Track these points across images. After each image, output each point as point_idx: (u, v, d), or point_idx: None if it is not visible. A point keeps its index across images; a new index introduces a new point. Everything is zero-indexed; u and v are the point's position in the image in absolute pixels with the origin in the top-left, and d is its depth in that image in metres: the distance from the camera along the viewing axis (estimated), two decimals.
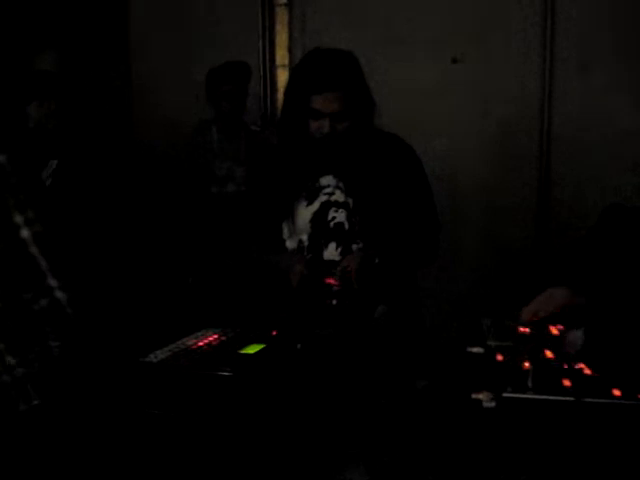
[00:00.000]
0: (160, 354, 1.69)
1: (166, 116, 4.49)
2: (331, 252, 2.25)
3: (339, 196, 2.26)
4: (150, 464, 1.50)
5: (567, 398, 1.38)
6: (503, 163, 4.52)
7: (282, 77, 4.85)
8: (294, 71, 2.25)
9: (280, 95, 4.88)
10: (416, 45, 4.52)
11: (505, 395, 1.41)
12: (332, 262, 2.22)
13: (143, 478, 1.50)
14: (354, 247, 2.24)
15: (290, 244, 2.30)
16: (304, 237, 2.27)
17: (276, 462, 1.45)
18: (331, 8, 4.73)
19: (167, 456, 1.49)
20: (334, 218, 2.25)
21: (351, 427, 1.52)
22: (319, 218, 2.26)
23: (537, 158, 4.58)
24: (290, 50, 4.85)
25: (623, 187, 4.39)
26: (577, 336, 1.67)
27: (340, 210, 2.24)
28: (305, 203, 2.28)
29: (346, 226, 2.24)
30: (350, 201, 2.25)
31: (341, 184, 2.26)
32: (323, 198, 2.26)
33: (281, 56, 4.88)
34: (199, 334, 1.83)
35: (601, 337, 1.63)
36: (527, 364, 1.50)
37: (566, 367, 1.55)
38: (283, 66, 4.86)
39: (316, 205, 2.26)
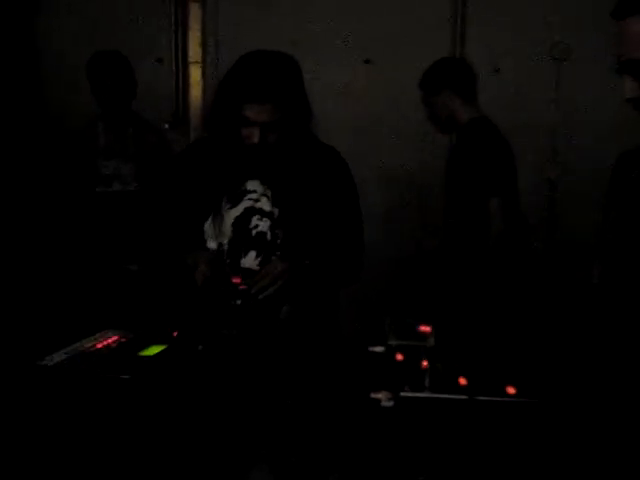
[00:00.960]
0: (56, 357, 1.64)
1: (69, 113, 4.38)
2: (250, 260, 2.20)
3: (265, 204, 2.19)
4: (47, 472, 1.46)
5: (461, 396, 1.41)
6: (421, 161, 4.58)
7: (195, 74, 4.80)
8: (227, 76, 2.12)
9: (193, 92, 4.83)
10: (328, 44, 4.53)
11: (402, 394, 1.42)
12: (250, 270, 2.17)
13: None
14: (273, 259, 2.19)
15: (211, 245, 2.23)
16: (224, 241, 2.21)
17: (180, 466, 1.43)
18: (245, 4, 4.71)
19: (64, 465, 1.45)
20: (257, 226, 2.19)
21: (256, 428, 1.51)
22: (241, 223, 2.20)
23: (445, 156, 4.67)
24: (203, 46, 4.80)
25: (525, 189, 4.53)
26: None
27: (264, 219, 2.19)
28: (228, 206, 2.21)
29: (268, 236, 2.19)
30: (276, 211, 2.19)
31: (268, 192, 2.20)
32: (247, 203, 2.20)
33: (194, 52, 4.82)
34: (98, 335, 1.78)
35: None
36: (425, 363, 1.52)
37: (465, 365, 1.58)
38: (196, 62, 4.80)
39: (240, 209, 2.20)
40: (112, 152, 3.56)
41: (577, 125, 4.49)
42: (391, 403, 1.43)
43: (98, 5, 4.75)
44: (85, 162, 3.54)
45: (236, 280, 2.10)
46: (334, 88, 4.25)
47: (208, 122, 2.23)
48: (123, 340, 1.75)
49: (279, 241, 2.19)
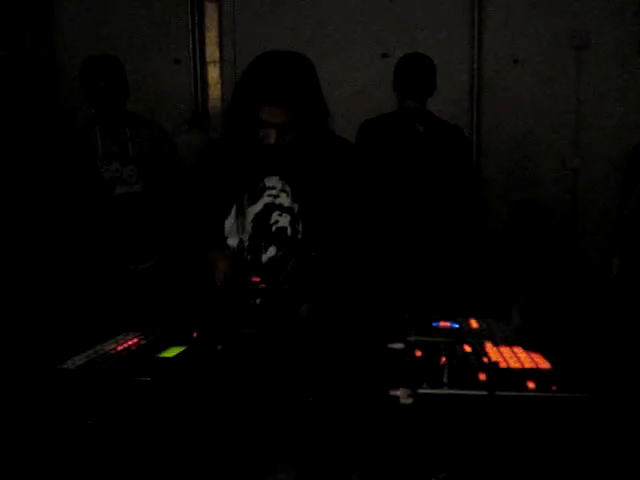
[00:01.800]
0: (77, 360, 1.65)
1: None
2: (270, 256, 2.21)
3: (284, 200, 2.21)
4: (69, 474, 1.47)
5: (480, 392, 1.40)
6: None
7: (213, 73, 4.82)
8: (243, 77, 2.14)
9: (211, 91, 4.85)
10: (347, 41, 4.53)
11: (421, 391, 1.42)
12: None
13: None
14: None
15: (231, 242, 2.25)
16: (245, 237, 2.23)
17: (202, 466, 1.43)
18: (261, 3, 4.72)
19: (87, 465, 1.46)
20: (277, 222, 2.21)
21: (277, 426, 1.52)
22: (261, 219, 2.22)
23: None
24: (220, 46, 4.82)
25: (548, 181, 4.51)
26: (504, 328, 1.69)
27: (284, 214, 2.20)
28: (248, 203, 2.23)
29: (289, 232, 2.20)
30: (295, 206, 2.21)
31: (287, 188, 2.22)
32: (267, 199, 2.22)
33: (211, 52, 4.84)
34: (118, 338, 1.79)
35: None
36: (443, 359, 1.51)
37: (485, 361, 1.57)
38: (213, 62, 4.82)
39: (259, 206, 2.22)
40: (111, 155, 3.56)
41: (598, 114, 4.45)
42: (410, 400, 1.42)
43: (116, 8, 4.79)
44: (84, 167, 3.54)
45: (255, 279, 2.10)
46: (352, 84, 4.25)
47: (226, 124, 2.25)
48: (143, 342, 1.76)
49: (299, 236, 2.20)
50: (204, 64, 4.84)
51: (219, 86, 4.82)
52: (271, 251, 2.21)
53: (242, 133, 2.13)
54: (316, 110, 2.13)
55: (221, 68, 4.79)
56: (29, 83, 4.54)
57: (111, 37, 4.67)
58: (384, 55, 4.53)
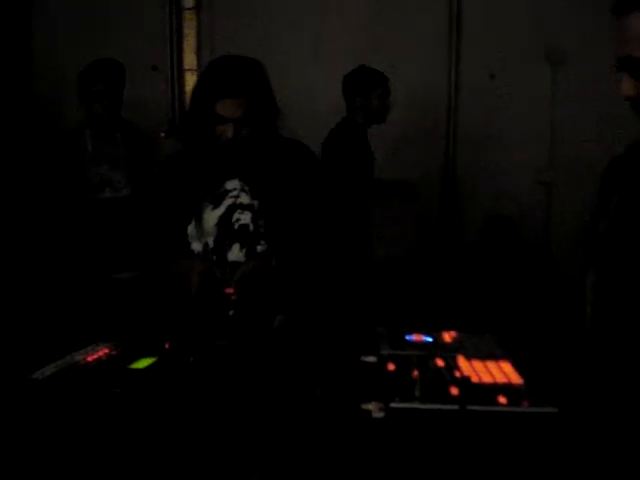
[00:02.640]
0: (47, 371, 1.63)
1: (66, 121, 4.38)
2: (235, 253, 2.26)
3: (244, 198, 2.28)
4: None
5: (452, 407, 1.40)
6: (410, 166, 4.59)
7: (190, 81, 4.81)
8: (200, 77, 2.27)
9: (188, 99, 4.82)
10: (323, 49, 4.55)
11: (393, 405, 1.41)
12: (236, 263, 2.22)
13: None
14: (259, 248, 2.25)
15: (196, 247, 2.30)
16: (210, 240, 2.28)
17: (173, 479, 1.42)
18: (239, 12, 4.72)
19: (57, 477, 1.44)
20: (238, 220, 2.26)
21: (248, 439, 1.50)
22: (225, 221, 2.27)
23: (443, 162, 4.69)
24: (198, 54, 4.81)
25: (522, 194, 4.55)
26: None
27: (245, 212, 2.27)
28: (211, 207, 2.28)
29: (251, 227, 2.26)
30: (255, 203, 2.27)
31: (246, 187, 2.28)
32: (229, 201, 2.28)
33: (189, 60, 4.84)
34: (89, 348, 1.78)
35: None
36: (416, 373, 1.51)
37: (457, 375, 1.58)
38: (191, 70, 4.82)
39: (222, 209, 2.28)
40: (101, 159, 3.54)
41: (573, 129, 4.49)
42: (382, 414, 1.42)
43: (94, 14, 4.76)
44: (73, 169, 3.51)
45: (229, 291, 2.10)
46: (330, 95, 4.24)
47: (185, 123, 2.36)
48: (114, 353, 1.74)
49: (262, 230, 2.26)
50: (182, 72, 4.83)
51: None
52: (235, 249, 2.26)
53: (199, 132, 2.20)
54: (269, 107, 2.23)
55: (199, 76, 4.78)
56: (7, 88, 4.51)
57: (89, 42, 4.65)
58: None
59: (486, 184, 4.60)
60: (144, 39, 4.77)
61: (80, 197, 3.51)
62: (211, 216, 2.28)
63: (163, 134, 4.68)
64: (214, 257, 2.26)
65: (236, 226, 2.26)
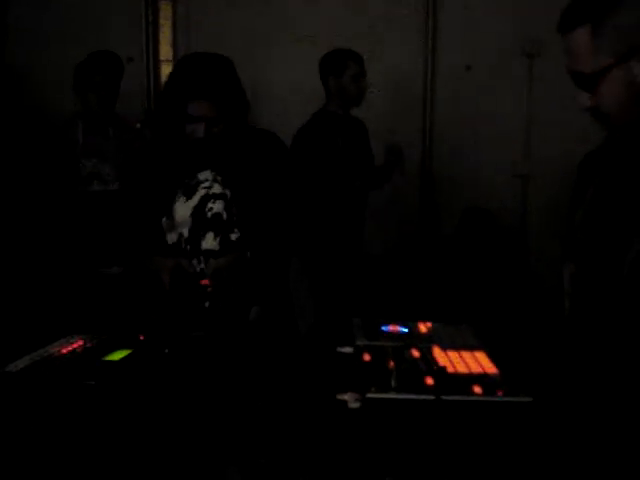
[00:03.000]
0: (20, 363, 1.61)
1: (41, 111, 4.33)
2: (209, 241, 2.26)
3: (217, 188, 2.28)
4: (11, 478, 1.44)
5: (427, 397, 1.40)
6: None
7: (166, 72, 4.76)
8: (170, 76, 2.26)
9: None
10: (297, 41, 4.53)
11: (369, 396, 1.42)
12: (210, 252, 2.23)
13: None
14: (232, 237, 2.26)
15: (170, 238, 2.30)
16: (185, 230, 2.28)
17: (148, 470, 1.41)
18: (215, 3, 4.69)
19: (31, 470, 1.43)
20: (211, 209, 2.27)
21: (225, 430, 1.50)
22: (199, 211, 2.28)
23: (420, 154, 4.70)
24: (174, 45, 4.78)
25: (499, 187, 4.56)
26: None
27: (218, 201, 2.27)
28: (184, 198, 2.29)
29: (224, 216, 2.27)
30: (227, 192, 2.28)
31: (219, 177, 2.29)
32: (202, 192, 2.29)
33: (165, 51, 4.79)
34: (63, 341, 1.76)
35: None
36: (392, 363, 1.51)
37: (432, 365, 1.58)
38: (167, 61, 4.78)
39: (195, 199, 2.28)
40: (91, 151, 3.51)
41: (549, 121, 4.51)
42: (358, 404, 1.42)
43: (69, 4, 4.71)
44: (63, 161, 3.49)
45: (204, 282, 2.09)
46: (307, 84, 4.23)
47: (155, 122, 2.40)
48: (88, 345, 1.73)
49: (235, 218, 2.27)
50: (157, 63, 4.79)
51: None
52: (209, 237, 2.26)
53: (170, 130, 2.23)
54: (240, 104, 2.25)
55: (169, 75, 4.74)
56: None
57: (64, 32, 4.60)
58: None
59: (463, 177, 4.61)
60: (120, 30, 4.72)
61: (70, 189, 3.48)
62: (185, 208, 2.28)
63: (139, 125, 4.64)
64: (188, 247, 2.26)
65: (209, 215, 2.27)
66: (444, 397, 1.40)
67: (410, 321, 1.94)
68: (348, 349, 1.71)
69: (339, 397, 1.45)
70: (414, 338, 1.79)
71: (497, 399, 1.43)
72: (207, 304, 2.07)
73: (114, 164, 3.53)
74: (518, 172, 4.66)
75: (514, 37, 4.56)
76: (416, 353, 1.66)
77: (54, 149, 3.51)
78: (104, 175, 3.52)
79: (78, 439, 1.42)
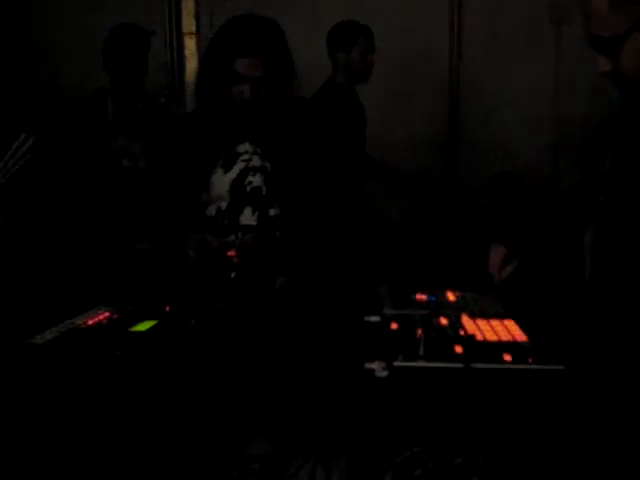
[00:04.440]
0: (47, 335, 1.61)
1: (68, 84, 4.34)
2: (247, 217, 2.22)
3: (256, 161, 2.22)
4: (39, 452, 1.44)
5: (456, 365, 1.38)
6: (413, 125, 4.55)
7: (189, 45, 4.75)
8: (217, 34, 2.17)
9: (188, 63, 4.77)
10: (323, 14, 4.48)
11: (396, 364, 1.40)
12: (248, 227, 2.20)
13: (33, 467, 1.44)
14: (271, 212, 2.21)
15: (209, 211, 2.25)
16: (223, 204, 2.23)
17: (175, 441, 1.41)
18: None
19: (58, 443, 1.44)
20: (251, 182, 2.21)
21: (252, 401, 1.50)
22: (237, 184, 2.22)
23: (446, 121, 4.65)
24: (197, 17, 4.74)
25: (524, 149, 4.50)
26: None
27: (257, 174, 2.21)
28: (222, 171, 2.23)
29: (263, 190, 2.21)
30: (268, 165, 2.22)
31: (258, 150, 2.23)
32: (241, 165, 2.22)
33: (188, 24, 4.77)
34: (90, 312, 1.76)
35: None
36: (419, 332, 1.49)
37: (461, 333, 1.56)
38: (190, 34, 4.75)
39: (234, 172, 2.22)
40: (121, 128, 3.48)
41: (577, 89, 4.43)
42: (385, 373, 1.41)
43: None
44: (94, 137, 3.46)
45: (231, 253, 2.08)
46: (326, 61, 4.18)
47: (199, 81, 2.25)
48: (114, 316, 1.73)
49: (274, 193, 2.22)
50: (180, 35, 4.76)
51: (195, 58, 4.74)
52: (247, 212, 2.21)
53: (215, 91, 2.15)
54: (287, 69, 2.17)
55: (198, 40, 4.72)
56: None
57: (85, 9, 4.59)
58: None
59: (491, 145, 4.56)
60: (141, 3, 4.70)
61: (101, 165, 3.46)
62: (223, 180, 2.23)
63: (163, 99, 4.62)
64: (226, 221, 2.22)
65: (248, 189, 2.21)
66: (473, 365, 1.38)
67: (437, 289, 1.92)
68: (375, 318, 1.69)
69: (367, 366, 1.44)
70: (442, 306, 1.77)
71: (527, 367, 1.40)
72: (233, 275, 2.06)
73: (143, 141, 3.49)
74: (546, 139, 4.60)
75: (540, 3, 4.47)
76: (444, 321, 1.63)
77: (84, 125, 3.49)
78: (133, 152, 3.50)
79: (105, 410, 1.42)
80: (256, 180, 2.21)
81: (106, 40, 3.49)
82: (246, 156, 2.22)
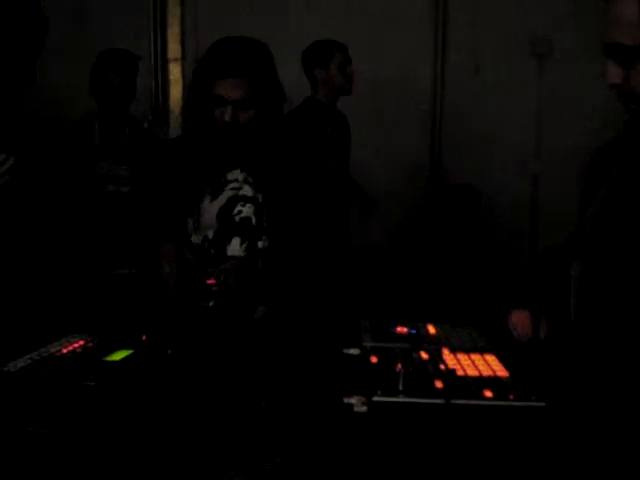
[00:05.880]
0: (20, 362, 1.58)
1: (50, 110, 4.31)
2: (234, 247, 2.17)
3: (247, 191, 2.18)
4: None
5: (436, 400, 1.36)
6: (396, 161, 4.56)
7: (174, 71, 4.76)
8: (201, 58, 2.14)
9: (173, 89, 4.78)
10: (308, 37, 4.49)
11: (375, 399, 1.38)
12: (235, 258, 2.15)
13: None
14: (260, 244, 2.17)
15: (195, 240, 2.20)
16: (210, 233, 2.18)
17: (151, 473, 1.38)
18: (223, 1, 4.66)
19: (28, 472, 1.40)
20: (240, 212, 2.17)
21: (229, 433, 1.47)
22: (225, 213, 2.17)
23: (428, 157, 4.67)
24: (182, 44, 4.75)
25: (508, 185, 4.52)
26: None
27: (248, 205, 2.17)
28: (210, 198, 2.18)
29: (253, 221, 2.17)
30: (259, 196, 2.18)
31: (250, 179, 2.18)
32: (230, 193, 2.18)
33: (173, 50, 4.77)
34: (63, 340, 1.73)
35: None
36: (399, 366, 1.47)
37: (441, 368, 1.54)
38: (175, 60, 4.76)
39: (222, 199, 2.17)
40: (107, 152, 3.47)
41: (560, 121, 4.47)
42: (364, 408, 1.38)
43: (78, 4, 4.69)
44: (79, 162, 3.44)
45: (210, 281, 2.05)
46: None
47: (185, 107, 2.22)
48: (89, 345, 1.69)
49: (265, 224, 2.17)
50: (165, 62, 4.77)
51: (180, 85, 4.75)
52: (235, 243, 2.17)
53: (197, 114, 2.11)
54: (273, 91, 2.11)
55: (183, 66, 4.72)
56: None
57: (72, 31, 4.58)
58: None
59: (472, 177, 4.58)
60: (127, 29, 4.70)
61: (85, 191, 3.43)
62: (211, 208, 2.18)
63: (146, 124, 4.61)
64: (212, 251, 2.18)
65: (237, 218, 2.16)
66: (454, 401, 1.36)
67: (417, 322, 1.90)
68: (355, 351, 1.67)
69: (345, 400, 1.41)
70: (423, 340, 1.76)
71: (508, 403, 1.39)
72: (211, 303, 2.03)
73: (128, 166, 3.48)
74: (528, 172, 4.62)
75: (523, 36, 4.53)
76: (425, 355, 1.62)
77: (70, 150, 3.47)
78: (119, 177, 3.48)
79: (78, 440, 1.39)
80: (246, 210, 2.16)
81: (94, 65, 3.49)
82: (236, 184, 2.18)
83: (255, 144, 2.12)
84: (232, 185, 2.18)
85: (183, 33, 4.77)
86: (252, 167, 2.18)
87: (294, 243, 2.20)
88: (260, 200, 2.17)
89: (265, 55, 2.12)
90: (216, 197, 2.18)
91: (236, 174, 2.19)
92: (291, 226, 2.19)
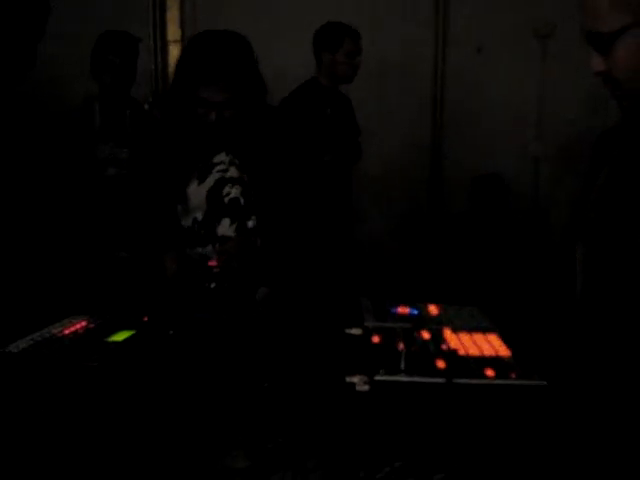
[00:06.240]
0: (22, 344, 1.58)
1: (51, 92, 4.29)
2: (224, 228, 2.20)
3: (234, 172, 2.22)
4: (11, 461, 1.41)
5: (438, 380, 1.36)
6: (396, 140, 4.55)
7: (174, 52, 4.74)
8: (182, 57, 2.22)
9: (171, 71, 4.74)
10: (307, 19, 4.47)
11: (377, 378, 1.38)
12: (225, 238, 2.18)
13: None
14: (249, 224, 2.19)
15: (185, 223, 2.25)
16: (199, 215, 2.23)
17: (152, 453, 1.39)
18: None
19: (32, 452, 1.40)
20: (229, 194, 2.20)
21: (231, 413, 1.47)
22: (214, 195, 2.21)
23: (430, 138, 4.66)
24: (182, 25, 4.73)
25: (509, 168, 4.52)
26: None
27: (235, 186, 2.20)
28: (197, 182, 2.23)
29: (241, 201, 2.20)
30: (245, 176, 2.22)
31: (236, 160, 2.23)
32: (217, 175, 2.22)
33: (173, 32, 4.75)
34: (65, 321, 1.73)
35: None
36: (401, 345, 1.47)
37: (443, 348, 1.54)
38: (175, 42, 4.74)
39: (210, 182, 2.22)
40: (108, 135, 3.47)
41: (562, 103, 4.45)
42: (366, 387, 1.38)
43: None
44: (80, 145, 3.44)
45: (211, 263, 2.05)
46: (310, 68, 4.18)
47: (168, 104, 2.31)
48: (91, 326, 1.70)
49: (252, 204, 2.22)
50: (165, 43, 4.75)
51: None
52: (225, 223, 2.20)
53: (182, 112, 2.18)
54: (254, 88, 2.18)
55: (182, 48, 4.70)
56: None
57: (71, 14, 4.55)
58: None
59: (473, 160, 4.57)
60: (127, 11, 4.68)
61: (86, 174, 3.44)
62: (199, 190, 2.22)
63: (147, 106, 4.60)
64: (202, 231, 2.21)
65: (226, 200, 2.20)
66: (455, 380, 1.36)
67: (419, 302, 1.90)
68: (357, 330, 1.67)
69: (347, 379, 1.42)
70: (424, 320, 1.75)
71: (510, 382, 1.39)
72: (213, 285, 2.03)
73: (129, 148, 3.48)
74: (529, 154, 4.61)
75: (526, 18, 4.50)
76: (426, 335, 1.62)
77: (71, 133, 3.46)
78: (120, 159, 3.48)
79: (80, 421, 1.39)
80: (234, 191, 2.20)
81: (94, 47, 3.47)
82: (222, 166, 2.22)
83: (239, 129, 2.20)
84: (219, 167, 2.23)
85: (182, 15, 4.74)
86: (237, 149, 2.24)
87: (281, 220, 2.24)
88: (246, 180, 2.23)
89: (246, 52, 2.18)
90: (203, 180, 2.23)
91: (222, 157, 2.24)
92: (276, 203, 2.24)
